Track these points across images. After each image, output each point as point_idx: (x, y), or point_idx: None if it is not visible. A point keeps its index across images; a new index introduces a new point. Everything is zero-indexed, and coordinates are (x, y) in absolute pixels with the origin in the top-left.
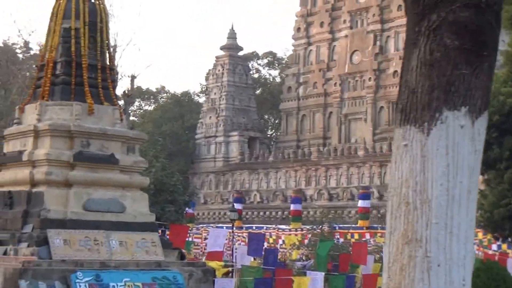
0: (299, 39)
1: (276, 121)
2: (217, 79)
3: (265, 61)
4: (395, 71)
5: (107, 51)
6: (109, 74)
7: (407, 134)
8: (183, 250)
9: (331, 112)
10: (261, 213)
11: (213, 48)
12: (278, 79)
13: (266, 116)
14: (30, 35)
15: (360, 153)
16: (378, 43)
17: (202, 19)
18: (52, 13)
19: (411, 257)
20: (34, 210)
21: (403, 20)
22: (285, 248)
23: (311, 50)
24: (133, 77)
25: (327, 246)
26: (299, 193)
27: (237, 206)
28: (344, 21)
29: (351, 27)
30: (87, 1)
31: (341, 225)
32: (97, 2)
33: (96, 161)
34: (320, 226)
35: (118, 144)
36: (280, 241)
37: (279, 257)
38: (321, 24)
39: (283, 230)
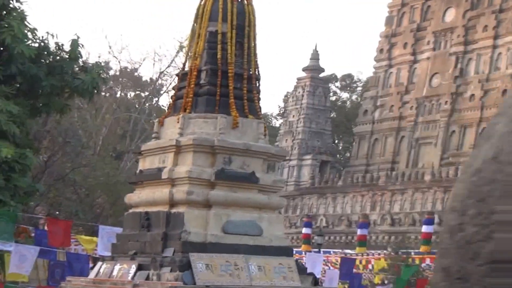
0: (381, 61)
1: (347, 146)
2: (296, 101)
3: (343, 83)
4: (472, 95)
5: (254, 59)
6: (255, 84)
7: None
8: (317, 276)
9: (403, 136)
10: (326, 238)
11: (293, 69)
12: (355, 102)
13: (336, 141)
14: (120, 52)
15: (427, 178)
16: (459, 65)
17: (284, 40)
18: (197, 15)
19: None
20: (174, 233)
21: (486, 42)
22: (372, 273)
23: (391, 72)
24: None
25: (411, 271)
26: (366, 218)
27: (306, 230)
28: (428, 42)
29: (434, 49)
30: (235, 1)
31: (406, 250)
32: (246, 2)
33: (236, 180)
34: (398, 251)
35: (260, 162)
36: (370, 266)
37: (362, 281)
38: (405, 46)
39: (368, 255)
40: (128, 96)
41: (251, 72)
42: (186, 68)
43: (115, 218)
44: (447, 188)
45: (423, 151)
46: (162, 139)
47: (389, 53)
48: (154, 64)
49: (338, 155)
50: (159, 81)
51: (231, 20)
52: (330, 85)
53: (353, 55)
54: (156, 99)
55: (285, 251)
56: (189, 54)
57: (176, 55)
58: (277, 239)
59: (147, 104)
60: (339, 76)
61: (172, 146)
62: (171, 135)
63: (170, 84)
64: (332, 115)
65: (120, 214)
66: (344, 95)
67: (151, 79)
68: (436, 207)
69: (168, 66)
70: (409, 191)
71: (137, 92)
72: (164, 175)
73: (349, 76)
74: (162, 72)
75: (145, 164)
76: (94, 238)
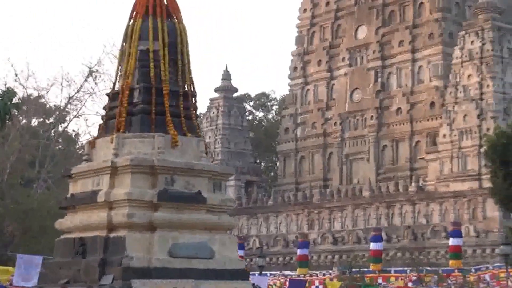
0: (296, 78)
1: (270, 164)
2: (211, 122)
3: (258, 102)
4: (398, 108)
5: (188, 76)
6: (191, 101)
7: None
8: None
9: (331, 153)
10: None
11: (206, 90)
12: (271, 120)
13: (258, 160)
14: (27, 79)
15: (365, 193)
16: (379, 80)
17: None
18: (126, 34)
19: None
20: (113, 258)
21: (404, 56)
22: None
23: (308, 89)
24: None
25: None
26: (305, 237)
27: (239, 252)
28: (343, 59)
29: (350, 65)
30: (165, 20)
31: (354, 270)
32: (176, 20)
33: (182, 201)
34: (350, 270)
35: (205, 181)
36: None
37: None
38: (319, 63)
39: (311, 275)
40: (32, 123)
41: (186, 89)
42: (117, 88)
43: (26, 246)
44: (390, 203)
45: (356, 167)
46: (94, 161)
47: (303, 70)
48: (62, 89)
49: (262, 175)
50: (69, 106)
51: (163, 37)
52: (244, 104)
53: (263, 74)
54: (65, 125)
55: (241, 275)
56: (120, 73)
57: (85, 80)
58: (231, 261)
59: (53, 130)
60: (252, 95)
61: (107, 167)
62: (104, 156)
63: (80, 109)
64: (251, 135)
65: (31, 242)
66: (259, 114)
67: (55, 105)
68: (381, 223)
69: (78, 91)
70: (348, 208)
71: (41, 119)
72: (100, 198)
73: (263, 95)
74: (72, 97)
75: (76, 187)
76: (10, 268)
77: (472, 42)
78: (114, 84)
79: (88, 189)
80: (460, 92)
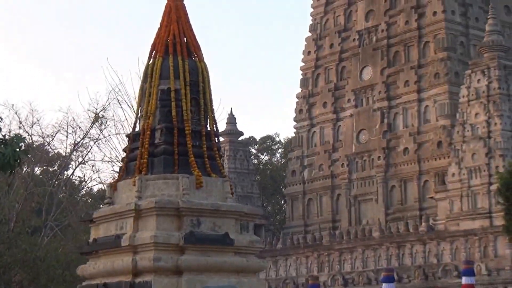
0: (302, 120)
1: (277, 207)
2: None
3: (263, 146)
4: (406, 148)
5: (211, 115)
6: (214, 141)
7: None
8: None
9: (339, 194)
10: None
11: None
12: (276, 164)
13: (265, 204)
14: (31, 127)
15: (375, 234)
16: (385, 120)
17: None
18: (146, 74)
19: None
20: None
21: (410, 96)
22: None
23: (314, 131)
24: None
25: None
26: (316, 280)
27: None
28: (349, 100)
29: (356, 106)
30: (186, 58)
31: None
32: (197, 59)
33: (209, 243)
34: None
35: (232, 222)
36: None
37: None
38: (324, 105)
39: None
40: (36, 171)
41: (209, 129)
42: (137, 129)
43: None
44: (400, 243)
45: (365, 208)
46: (117, 204)
47: (309, 112)
48: (67, 136)
49: (270, 218)
50: (74, 153)
51: (184, 77)
52: (249, 148)
53: (267, 117)
54: (70, 172)
55: None
56: (140, 113)
57: (91, 126)
58: None
59: (58, 177)
60: (257, 138)
61: (131, 210)
62: (127, 199)
63: (86, 155)
64: (257, 178)
65: None
66: (264, 157)
67: (58, 153)
68: (391, 264)
69: (83, 138)
70: (358, 249)
71: (45, 167)
72: (125, 242)
73: (268, 137)
74: (77, 143)
75: (99, 232)
76: None
77: (478, 80)
78: (135, 125)
79: (111, 233)
80: (468, 131)
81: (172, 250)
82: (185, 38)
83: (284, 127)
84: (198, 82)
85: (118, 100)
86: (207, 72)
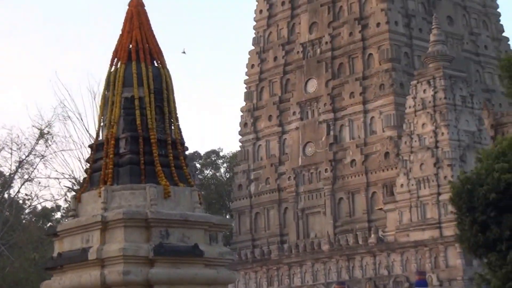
0: (247, 134)
1: None
2: None
3: (208, 160)
4: (353, 160)
5: (175, 123)
6: (180, 150)
7: None
8: None
9: (286, 208)
10: None
11: None
12: (221, 179)
13: None
14: None
15: (325, 247)
16: (332, 132)
17: None
18: (108, 82)
19: None
20: None
21: (356, 108)
22: None
23: (260, 145)
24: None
25: None
26: None
27: None
28: (294, 113)
29: (301, 118)
30: (149, 65)
31: None
32: (160, 65)
33: (178, 255)
34: None
35: (201, 233)
36: None
37: None
38: (269, 118)
39: None
40: None
41: (174, 137)
42: (100, 138)
43: None
44: (350, 256)
45: (312, 221)
46: (82, 216)
47: (254, 126)
48: (12, 153)
49: None
50: (19, 170)
51: (148, 84)
52: (194, 163)
53: (211, 132)
54: (15, 189)
55: None
56: (103, 122)
57: (36, 143)
58: None
59: (2, 195)
60: (202, 153)
61: (97, 222)
62: (92, 211)
63: (32, 172)
64: (202, 193)
65: None
66: (208, 172)
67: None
68: (342, 277)
69: (28, 155)
70: (307, 263)
71: None
72: (92, 255)
73: (213, 152)
74: (22, 161)
75: (63, 246)
76: None
77: (424, 91)
78: (97, 134)
79: (77, 247)
80: (415, 141)
81: (141, 263)
82: (147, 44)
83: (229, 141)
84: (162, 89)
85: (63, 116)
86: (170, 79)
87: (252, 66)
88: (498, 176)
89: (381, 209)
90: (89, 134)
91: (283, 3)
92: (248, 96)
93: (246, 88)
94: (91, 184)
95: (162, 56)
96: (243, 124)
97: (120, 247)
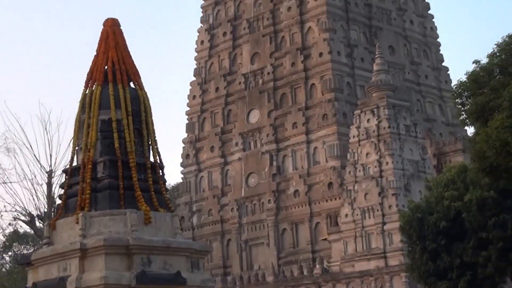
0: (189, 166)
1: None
2: None
3: None
4: (296, 191)
5: (154, 146)
6: (159, 174)
7: None
8: None
9: (229, 239)
10: None
11: None
12: None
13: None
14: None
15: (269, 279)
16: (274, 163)
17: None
18: (83, 104)
19: None
20: None
21: (299, 138)
22: None
23: (202, 176)
24: None
25: None
26: None
27: None
28: (236, 144)
29: (244, 149)
30: (126, 86)
31: None
32: (138, 87)
33: (161, 283)
34: None
35: (183, 260)
36: None
37: None
38: (211, 149)
39: None
40: None
41: (153, 161)
42: (75, 163)
43: None
44: (294, 287)
45: (256, 252)
46: (57, 244)
47: (196, 157)
48: None
49: None
50: None
51: (126, 106)
52: None
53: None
54: None
55: None
56: (78, 146)
57: None
58: None
59: None
60: None
61: (76, 250)
62: (69, 238)
63: None
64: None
65: None
66: None
67: None
68: None
69: None
70: None
71: None
72: (70, 285)
73: None
74: None
75: (38, 275)
76: None
77: (368, 120)
78: (72, 158)
79: (54, 276)
80: (360, 171)
81: None
82: (124, 65)
83: (171, 173)
84: (140, 111)
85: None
86: (148, 101)
87: (194, 97)
88: (448, 203)
89: (325, 239)
90: (40, 164)
91: (224, 34)
92: (190, 127)
93: (187, 119)
94: (66, 211)
95: (139, 77)
96: (185, 156)
97: (101, 275)
